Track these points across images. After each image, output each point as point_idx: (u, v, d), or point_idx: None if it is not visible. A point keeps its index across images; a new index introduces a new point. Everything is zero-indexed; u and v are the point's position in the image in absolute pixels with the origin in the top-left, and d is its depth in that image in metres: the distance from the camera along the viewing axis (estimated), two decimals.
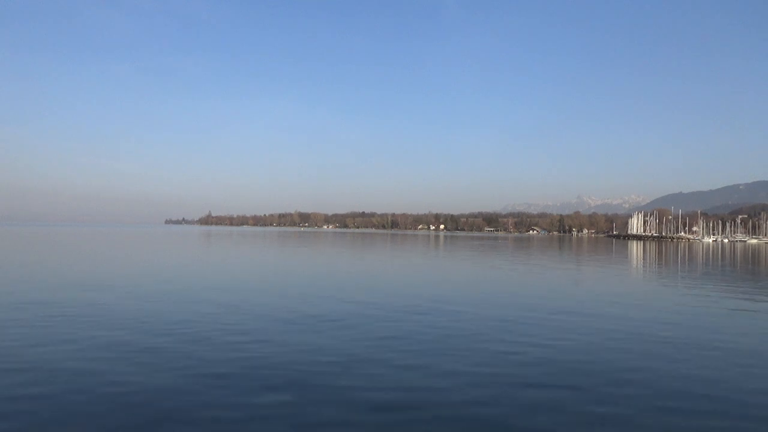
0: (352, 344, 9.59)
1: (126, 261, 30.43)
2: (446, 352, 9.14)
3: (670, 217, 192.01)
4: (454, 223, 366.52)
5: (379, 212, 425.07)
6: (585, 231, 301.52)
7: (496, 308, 14.45)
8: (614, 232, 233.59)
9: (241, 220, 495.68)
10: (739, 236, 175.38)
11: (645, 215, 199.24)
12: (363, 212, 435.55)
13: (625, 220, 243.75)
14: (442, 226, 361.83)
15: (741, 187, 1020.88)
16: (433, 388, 7.08)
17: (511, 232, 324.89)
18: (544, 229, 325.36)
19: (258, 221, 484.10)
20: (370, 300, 15.52)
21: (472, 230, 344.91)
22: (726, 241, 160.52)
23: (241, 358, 8.47)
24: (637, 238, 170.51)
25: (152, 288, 17.51)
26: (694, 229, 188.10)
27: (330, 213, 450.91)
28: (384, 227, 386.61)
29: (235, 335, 10.15)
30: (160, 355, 8.56)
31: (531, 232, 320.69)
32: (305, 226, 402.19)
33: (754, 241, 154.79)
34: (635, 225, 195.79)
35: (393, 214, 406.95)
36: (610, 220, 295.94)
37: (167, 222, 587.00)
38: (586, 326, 11.97)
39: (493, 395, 6.86)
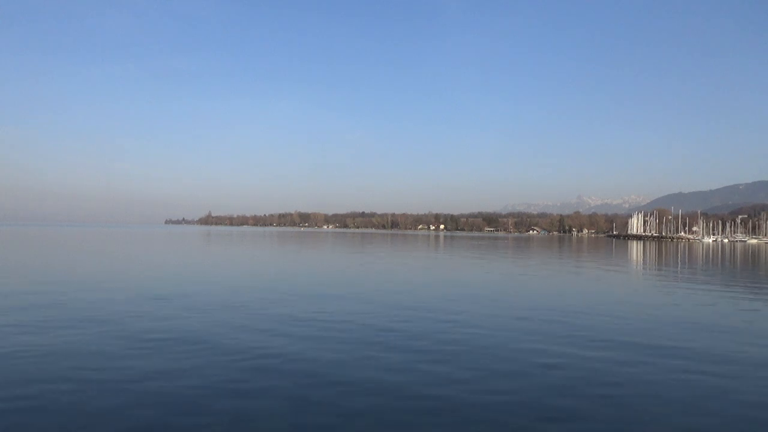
0: None
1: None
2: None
3: (670, 217, 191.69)
4: (454, 223, 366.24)
5: (379, 212, 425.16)
6: (585, 231, 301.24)
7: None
8: (614, 232, 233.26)
9: (241, 220, 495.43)
10: (739, 236, 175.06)
11: (645, 215, 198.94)
12: (363, 212, 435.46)
13: (625, 220, 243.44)
14: (442, 226, 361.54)
15: (741, 187, 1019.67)
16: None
17: (511, 232, 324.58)
18: (544, 229, 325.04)
19: (258, 221, 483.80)
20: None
21: (472, 230, 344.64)
22: (726, 241, 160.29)
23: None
24: (637, 238, 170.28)
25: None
26: (694, 229, 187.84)
27: (330, 213, 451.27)
28: (384, 227, 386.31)
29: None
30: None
31: (531, 232, 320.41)
32: (305, 226, 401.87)
33: (754, 241, 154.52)
34: (635, 225, 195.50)
35: (393, 214, 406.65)
36: (610, 220, 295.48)
37: (167, 222, 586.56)
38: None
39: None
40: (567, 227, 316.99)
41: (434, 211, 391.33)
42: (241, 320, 11.66)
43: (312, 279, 21.87)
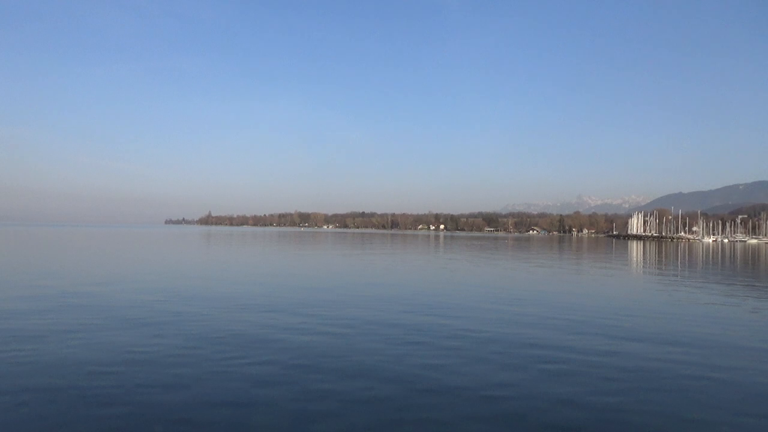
0: None
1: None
2: None
3: (670, 217, 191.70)
4: (454, 223, 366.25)
5: (379, 212, 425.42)
6: (585, 231, 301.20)
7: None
8: (614, 232, 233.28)
9: (241, 220, 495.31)
10: (739, 236, 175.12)
11: (645, 215, 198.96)
12: (363, 212, 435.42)
13: (625, 220, 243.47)
14: (442, 226, 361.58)
15: (741, 187, 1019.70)
16: None
17: (511, 232, 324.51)
18: (544, 229, 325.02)
19: (258, 221, 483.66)
20: None
21: (472, 230, 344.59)
22: (726, 241, 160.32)
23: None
24: (637, 238, 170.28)
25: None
26: (694, 229, 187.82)
27: (330, 213, 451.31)
28: (384, 227, 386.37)
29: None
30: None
31: (531, 232, 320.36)
32: (305, 226, 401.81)
33: (754, 241, 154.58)
34: (635, 225, 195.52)
35: (393, 214, 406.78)
36: (610, 220, 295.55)
37: (167, 222, 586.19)
38: None
39: None
40: (567, 227, 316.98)
41: (434, 211, 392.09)
42: (243, 321, 11.67)
43: (314, 279, 21.87)
